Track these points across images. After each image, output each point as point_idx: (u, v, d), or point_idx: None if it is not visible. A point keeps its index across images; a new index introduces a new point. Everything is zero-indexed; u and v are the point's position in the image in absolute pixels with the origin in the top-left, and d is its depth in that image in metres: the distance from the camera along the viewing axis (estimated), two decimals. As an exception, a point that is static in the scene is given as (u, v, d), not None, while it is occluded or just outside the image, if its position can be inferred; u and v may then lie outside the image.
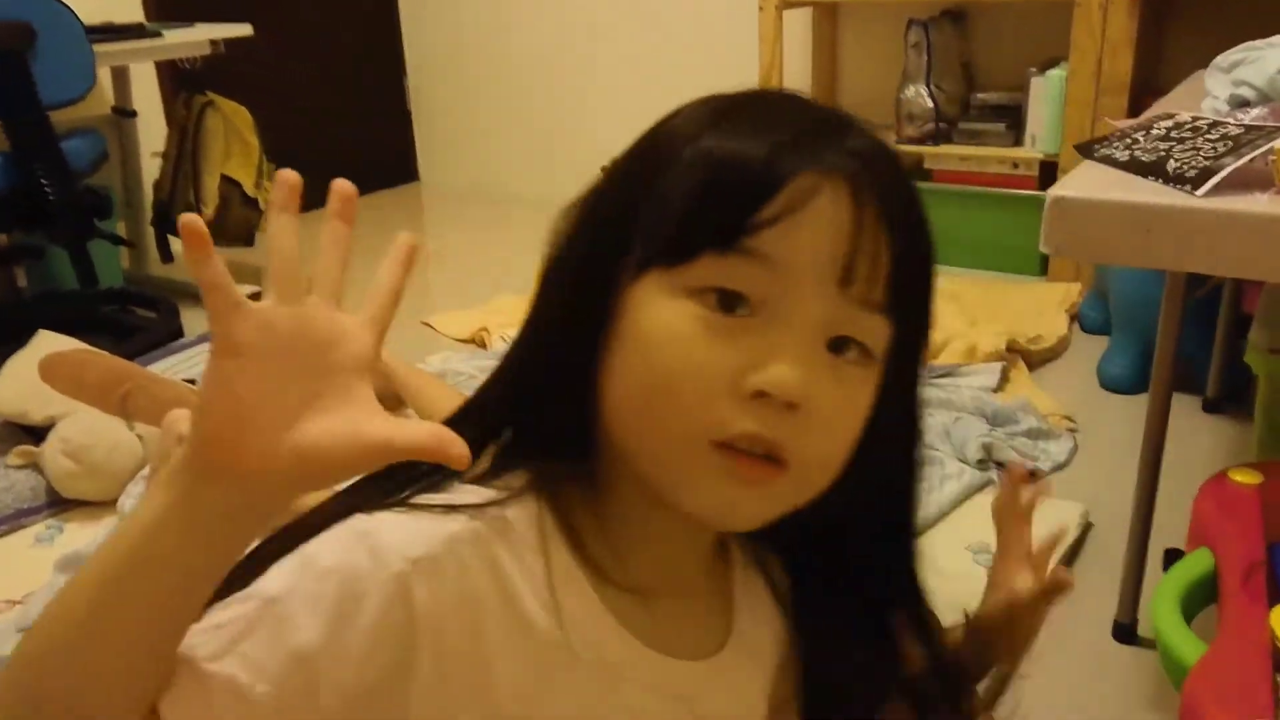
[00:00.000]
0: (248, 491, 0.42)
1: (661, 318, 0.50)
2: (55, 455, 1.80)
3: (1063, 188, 1.19)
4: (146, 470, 1.80)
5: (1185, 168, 1.17)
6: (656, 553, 0.57)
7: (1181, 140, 1.27)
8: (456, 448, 0.41)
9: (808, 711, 0.62)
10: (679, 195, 0.50)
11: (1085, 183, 1.21)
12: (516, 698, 0.52)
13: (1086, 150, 1.34)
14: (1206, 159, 1.17)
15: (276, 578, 0.49)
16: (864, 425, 0.54)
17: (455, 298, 2.91)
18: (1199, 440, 1.96)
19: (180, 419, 1.77)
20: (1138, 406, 2.13)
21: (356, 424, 0.42)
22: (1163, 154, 1.23)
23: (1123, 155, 1.28)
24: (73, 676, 0.43)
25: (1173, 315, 1.29)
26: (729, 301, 0.49)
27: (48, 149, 2.21)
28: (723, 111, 0.53)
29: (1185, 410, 2.02)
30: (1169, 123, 1.35)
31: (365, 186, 4.36)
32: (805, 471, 0.51)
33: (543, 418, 0.56)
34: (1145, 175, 1.20)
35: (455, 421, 0.56)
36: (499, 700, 0.52)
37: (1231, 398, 2.08)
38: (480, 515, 0.53)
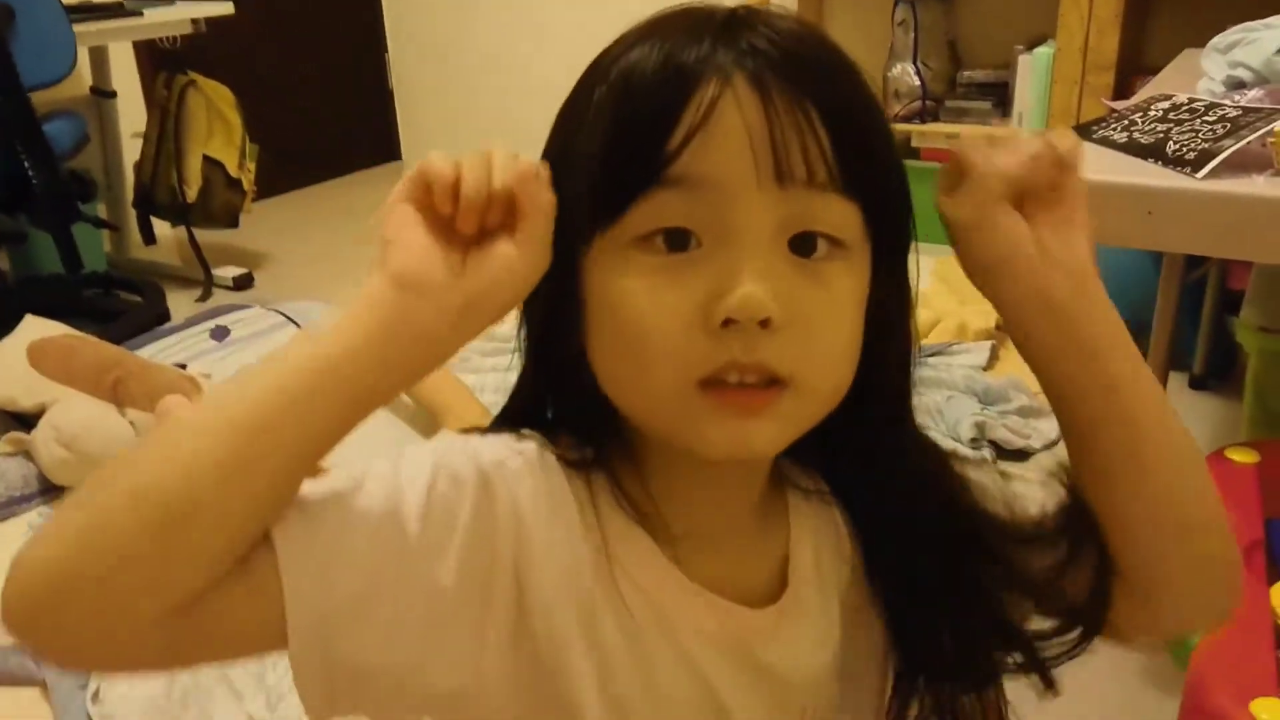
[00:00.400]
0: (440, 306, 0.46)
1: (617, 279, 0.49)
2: (47, 443, 1.78)
3: (1064, 170, 1.19)
4: (140, 457, 1.79)
5: (1185, 150, 1.18)
6: (703, 500, 0.56)
7: (1179, 122, 1.28)
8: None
9: (901, 666, 0.59)
10: (590, 152, 0.50)
11: (1087, 165, 1.21)
12: (572, 643, 0.52)
13: (1084, 132, 1.34)
14: (1205, 141, 1.18)
15: (374, 465, 0.50)
16: (863, 317, 0.52)
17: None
18: (1186, 417, 1.96)
19: (173, 405, 1.76)
20: (1126, 383, 2.17)
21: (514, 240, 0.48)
22: (1161, 136, 1.24)
23: (1121, 137, 1.28)
24: (230, 482, 0.43)
25: (1170, 296, 1.30)
26: (676, 240, 0.48)
27: (30, 132, 2.18)
28: (617, 49, 0.51)
29: (1172, 387, 2.04)
30: (1166, 104, 1.36)
31: (346, 166, 4.32)
32: (808, 383, 0.49)
33: (565, 408, 0.56)
34: (1144, 157, 1.21)
35: (495, 426, 0.57)
36: (564, 642, 0.52)
37: (1217, 374, 2.11)
38: (546, 449, 0.54)
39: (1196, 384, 2.11)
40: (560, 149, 0.53)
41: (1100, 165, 1.22)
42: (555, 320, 0.53)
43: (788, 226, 0.48)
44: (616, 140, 0.48)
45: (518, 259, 0.47)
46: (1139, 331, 2.17)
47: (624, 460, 0.55)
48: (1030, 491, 0.60)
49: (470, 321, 0.47)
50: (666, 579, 0.54)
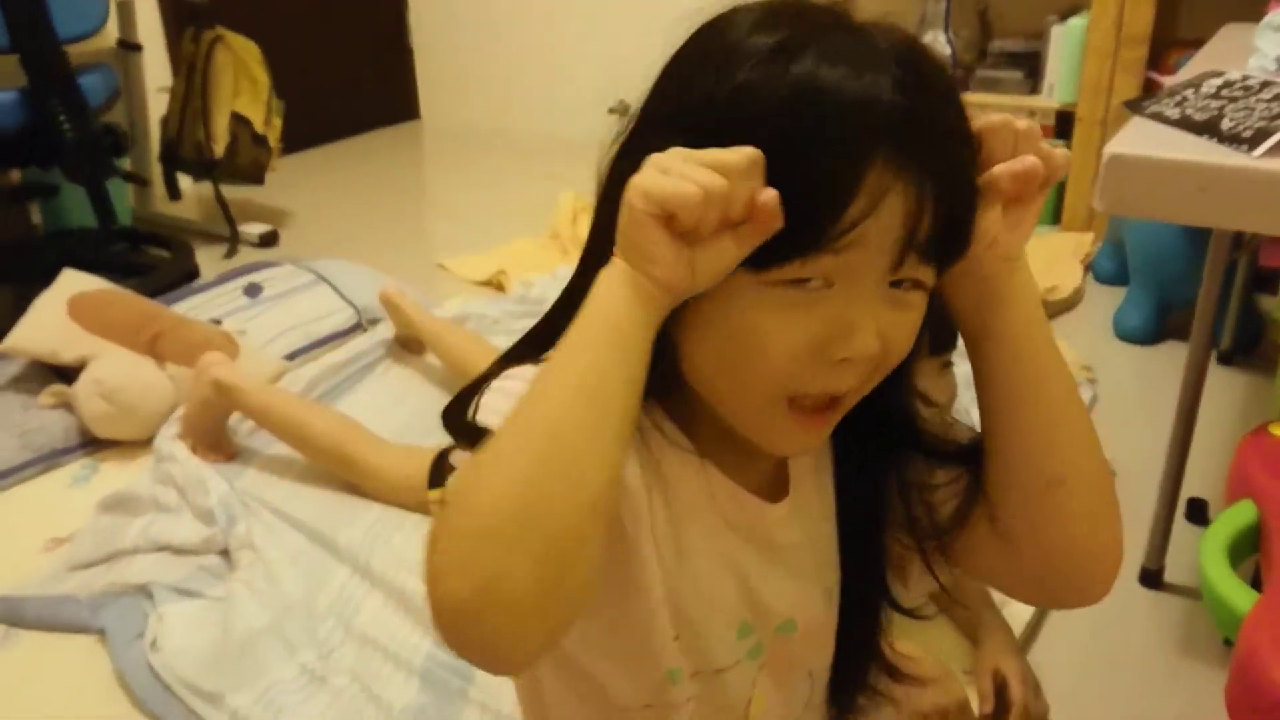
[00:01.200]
0: (683, 296, 0.51)
1: (744, 309, 0.53)
2: (89, 396, 1.80)
3: (1118, 145, 1.20)
4: (180, 411, 1.80)
5: (1240, 127, 1.19)
6: (722, 427, 0.60)
7: (1234, 99, 1.28)
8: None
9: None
10: None
11: (1140, 140, 1.22)
12: (642, 527, 0.59)
13: (1136, 107, 1.35)
14: (1262, 119, 1.19)
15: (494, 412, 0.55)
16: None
17: (466, 239, 2.91)
18: (1214, 392, 1.99)
19: (213, 362, 1.78)
20: (1153, 357, 2.18)
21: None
22: (1215, 113, 1.25)
23: (1173, 113, 1.29)
24: (615, 480, 0.50)
25: (1216, 273, 1.31)
26: (807, 281, 0.53)
27: (65, 85, 2.18)
28: (769, 84, 0.51)
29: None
30: (1218, 81, 1.36)
31: (364, 124, 4.29)
32: (874, 383, 0.57)
33: None
34: (1198, 134, 1.22)
35: (524, 344, 0.61)
36: (636, 526, 0.59)
37: (1244, 350, 2.12)
38: None
39: (1223, 359, 2.12)
40: (681, 130, 0.52)
41: (1153, 141, 1.22)
42: None
43: (894, 273, 0.54)
44: (785, 206, 0.50)
45: (736, 254, 0.50)
46: (1170, 307, 2.17)
47: (666, 390, 0.60)
48: (967, 424, 0.67)
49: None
50: (699, 475, 0.62)
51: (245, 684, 1.24)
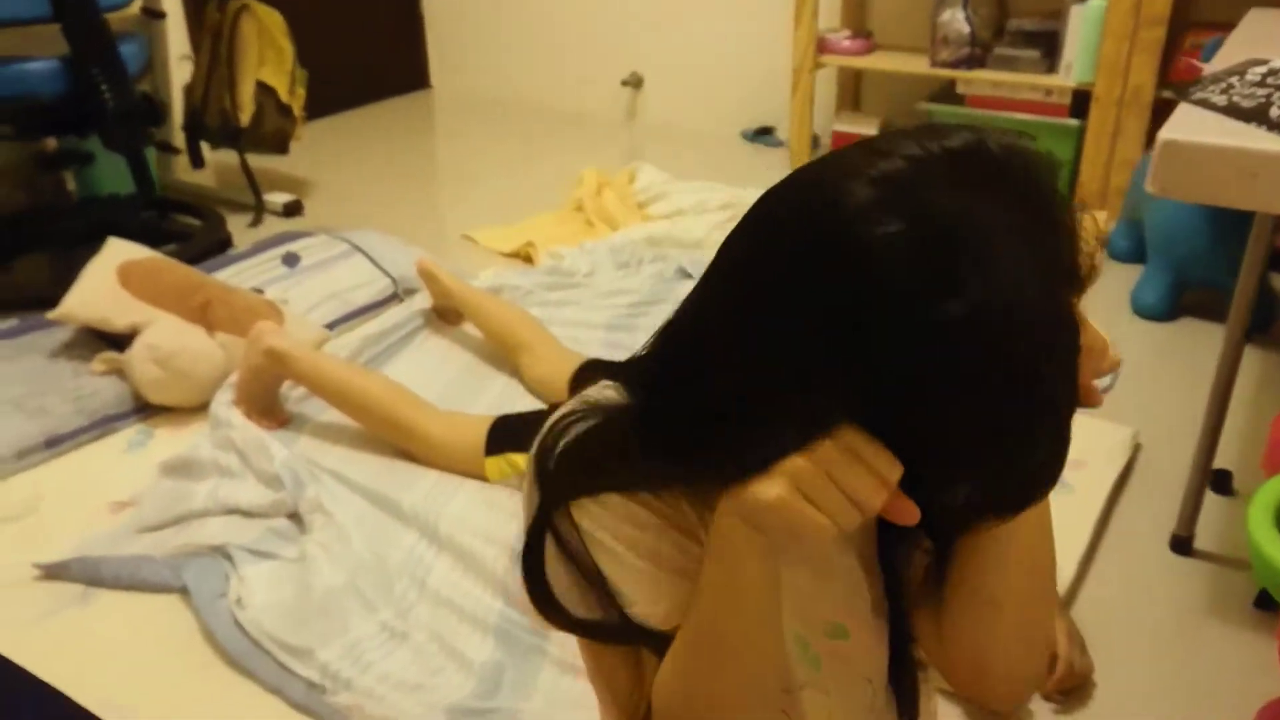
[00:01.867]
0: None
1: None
2: (143, 361, 1.83)
3: (1171, 131, 1.25)
4: (233, 378, 1.84)
5: (1289, 115, 1.24)
6: None
7: (1279, 88, 1.34)
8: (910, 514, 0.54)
9: None
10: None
11: (1191, 127, 1.27)
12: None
13: (1181, 92, 1.40)
14: (1310, 108, 1.24)
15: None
16: None
17: (486, 210, 2.95)
18: (1230, 367, 2.07)
19: (267, 330, 1.82)
20: (1170, 334, 2.25)
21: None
22: (1262, 100, 1.30)
23: (1220, 100, 1.34)
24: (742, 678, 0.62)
25: (1257, 256, 1.37)
26: None
27: (106, 54, 2.19)
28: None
29: (1216, 339, 2.13)
30: (1263, 69, 1.41)
31: (375, 94, 4.26)
32: None
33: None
34: (1246, 121, 1.27)
35: (614, 370, 0.66)
36: None
37: (1260, 328, 2.19)
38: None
39: (1238, 336, 2.18)
40: (825, 331, 0.51)
41: (1202, 127, 1.27)
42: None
43: None
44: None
45: None
46: (1187, 285, 2.21)
47: None
48: None
49: None
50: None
51: (331, 640, 1.29)
